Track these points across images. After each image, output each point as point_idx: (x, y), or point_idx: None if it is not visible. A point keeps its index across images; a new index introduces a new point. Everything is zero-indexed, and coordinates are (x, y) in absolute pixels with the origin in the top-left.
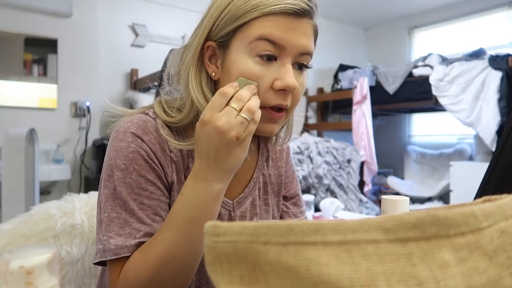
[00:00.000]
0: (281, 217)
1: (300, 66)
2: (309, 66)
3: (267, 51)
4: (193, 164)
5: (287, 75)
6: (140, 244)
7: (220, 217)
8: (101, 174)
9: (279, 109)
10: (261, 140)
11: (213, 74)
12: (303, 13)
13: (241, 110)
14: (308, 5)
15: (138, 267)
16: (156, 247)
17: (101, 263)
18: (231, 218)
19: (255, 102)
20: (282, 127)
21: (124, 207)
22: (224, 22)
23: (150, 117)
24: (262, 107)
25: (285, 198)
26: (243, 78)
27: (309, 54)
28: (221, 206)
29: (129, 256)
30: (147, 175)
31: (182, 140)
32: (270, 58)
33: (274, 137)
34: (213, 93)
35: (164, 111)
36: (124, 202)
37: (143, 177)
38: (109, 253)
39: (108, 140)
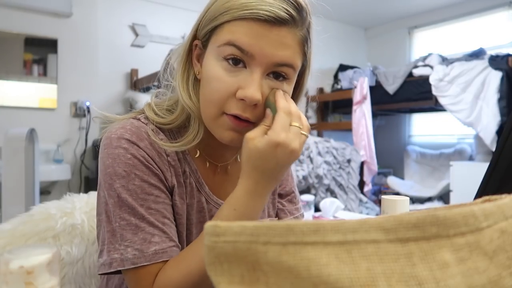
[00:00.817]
0: (277, 215)
1: (277, 76)
2: (288, 77)
3: (233, 55)
4: (198, 170)
5: (250, 85)
6: (157, 252)
7: None
8: (99, 182)
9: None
10: None
11: (198, 73)
12: (280, 21)
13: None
14: (288, 13)
15: (175, 278)
16: (197, 258)
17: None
18: None
19: (306, 119)
20: None
21: (132, 213)
22: (205, 22)
23: (142, 122)
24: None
25: (280, 195)
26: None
27: (288, 65)
28: (216, 208)
29: (149, 265)
30: (150, 180)
31: (175, 142)
32: (237, 63)
33: None
34: (197, 94)
35: (155, 113)
36: (131, 208)
37: (146, 182)
38: (127, 262)
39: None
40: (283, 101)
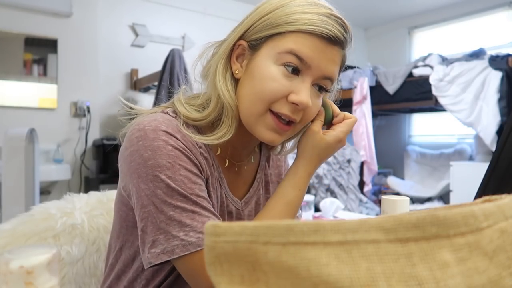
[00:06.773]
0: None
1: (320, 88)
2: (328, 90)
3: (293, 63)
4: (219, 166)
5: (303, 92)
6: None
7: (230, 215)
8: (136, 175)
9: (288, 122)
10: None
11: (236, 72)
12: (336, 41)
13: None
14: (343, 36)
15: None
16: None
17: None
18: (240, 217)
19: None
20: (289, 139)
21: (185, 201)
22: (261, 27)
23: (171, 116)
24: (271, 111)
25: None
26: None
27: (331, 79)
28: (232, 204)
29: None
30: (193, 170)
31: (207, 136)
32: (294, 71)
33: (280, 146)
34: (235, 91)
35: (186, 109)
36: (183, 196)
37: (191, 171)
38: (192, 246)
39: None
40: (348, 114)
